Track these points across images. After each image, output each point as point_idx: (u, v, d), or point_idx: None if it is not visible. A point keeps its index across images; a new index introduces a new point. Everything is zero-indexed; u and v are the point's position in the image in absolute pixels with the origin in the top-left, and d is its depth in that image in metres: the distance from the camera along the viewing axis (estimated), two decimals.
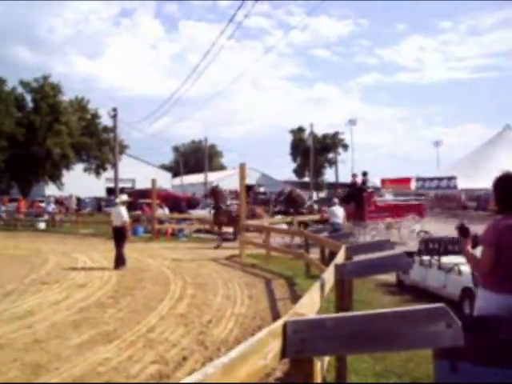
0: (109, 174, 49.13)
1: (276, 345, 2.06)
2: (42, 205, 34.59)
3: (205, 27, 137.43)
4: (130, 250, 16.76)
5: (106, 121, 46.95)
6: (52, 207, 32.44)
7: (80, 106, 49.19)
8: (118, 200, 13.88)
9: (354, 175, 21.94)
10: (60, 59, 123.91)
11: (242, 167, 15.05)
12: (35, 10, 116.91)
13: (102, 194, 54.95)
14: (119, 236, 12.99)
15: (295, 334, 2.15)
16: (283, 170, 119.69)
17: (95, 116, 49.69)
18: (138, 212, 25.92)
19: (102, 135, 49.00)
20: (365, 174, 20.87)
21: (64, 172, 48.54)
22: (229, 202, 20.53)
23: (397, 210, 20.50)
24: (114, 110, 39.09)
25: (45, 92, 46.32)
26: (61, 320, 7.39)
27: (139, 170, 58.79)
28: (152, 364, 5.49)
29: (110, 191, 51.71)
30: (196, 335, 6.62)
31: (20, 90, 48.33)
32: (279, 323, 2.16)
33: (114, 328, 6.91)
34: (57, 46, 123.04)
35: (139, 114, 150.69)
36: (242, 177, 15.07)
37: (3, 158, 44.86)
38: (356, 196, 20.14)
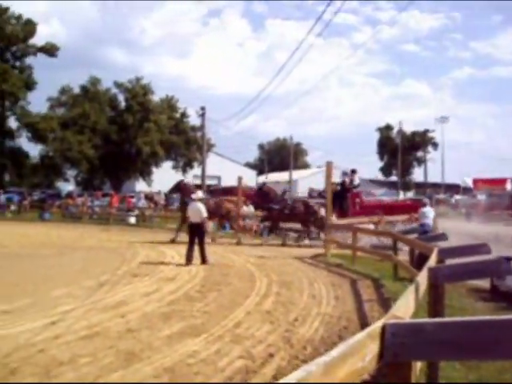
0: (195, 171, 50.39)
1: (374, 347, 2.02)
2: (133, 200, 36.02)
3: (292, 25, 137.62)
4: (216, 246, 17.17)
5: (194, 119, 48.13)
6: (142, 202, 33.74)
7: (169, 105, 50.80)
8: (194, 196, 14.04)
9: (344, 173, 21.16)
10: (150, 59, 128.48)
11: (329, 165, 14.93)
12: (128, 13, 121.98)
13: None
14: (198, 232, 13.08)
15: (394, 337, 2.10)
16: (370, 168, 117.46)
17: (184, 115, 51.16)
18: None
19: (189, 134, 50.33)
20: (353, 171, 20.05)
21: (153, 169, 50.39)
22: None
23: (386, 211, 19.21)
24: (203, 108, 40.04)
25: (136, 92, 48.21)
26: (151, 311, 7.65)
27: (225, 168, 59.76)
28: (239, 359, 5.55)
29: (197, 188, 52.98)
30: (282, 333, 6.63)
31: (114, 90, 50.66)
32: (377, 325, 2.11)
33: (201, 321, 7.07)
34: (147, 47, 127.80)
35: (226, 112, 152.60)
36: (329, 175, 14.95)
37: (97, 155, 47.27)
38: (342, 196, 19.40)
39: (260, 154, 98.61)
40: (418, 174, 68.99)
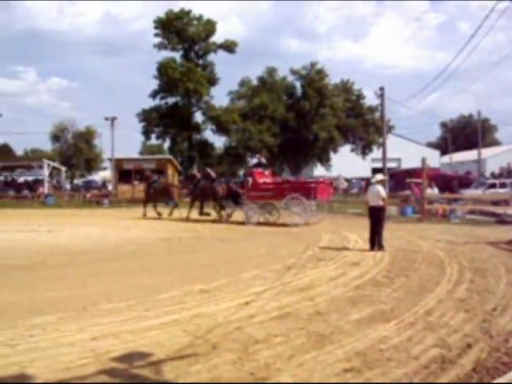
0: (374, 154, 49.51)
1: None
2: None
3: None
4: (399, 230, 16.72)
5: (371, 100, 47.26)
6: None
7: (345, 88, 50.55)
8: (373, 180, 13.65)
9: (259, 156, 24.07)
10: (325, 45, 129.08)
11: None
12: (300, 1, 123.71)
13: (368, 174, 55.70)
14: (377, 216, 12.68)
15: None
16: None
17: (360, 97, 50.50)
18: (407, 192, 25.56)
19: (366, 115, 49.58)
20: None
21: (331, 153, 50.62)
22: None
23: (279, 190, 20.40)
24: (381, 89, 38.87)
25: (311, 77, 48.75)
26: (339, 295, 7.68)
27: (405, 149, 57.77)
28: (433, 347, 5.30)
29: (376, 171, 52.17)
30: (479, 323, 6.19)
31: (290, 78, 51.83)
32: None
33: (390, 307, 6.90)
34: (322, 33, 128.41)
35: (406, 91, 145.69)
36: None
37: (277, 143, 48.88)
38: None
39: (443, 133, 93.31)
40: None
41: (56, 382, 4.47)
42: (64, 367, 4.80)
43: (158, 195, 25.85)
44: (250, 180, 21.21)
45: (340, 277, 9.11)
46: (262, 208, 20.88)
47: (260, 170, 21.80)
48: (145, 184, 27.74)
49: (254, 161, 23.37)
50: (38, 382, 4.49)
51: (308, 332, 5.86)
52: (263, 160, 22.74)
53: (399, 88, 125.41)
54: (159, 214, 24.63)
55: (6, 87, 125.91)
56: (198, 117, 52.62)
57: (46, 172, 44.85)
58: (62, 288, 8.39)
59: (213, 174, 24.08)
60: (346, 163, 50.42)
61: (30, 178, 52.07)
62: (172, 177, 43.42)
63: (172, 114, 50.14)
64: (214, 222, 22.02)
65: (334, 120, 47.71)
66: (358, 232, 15.99)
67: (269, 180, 21.85)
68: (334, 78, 50.95)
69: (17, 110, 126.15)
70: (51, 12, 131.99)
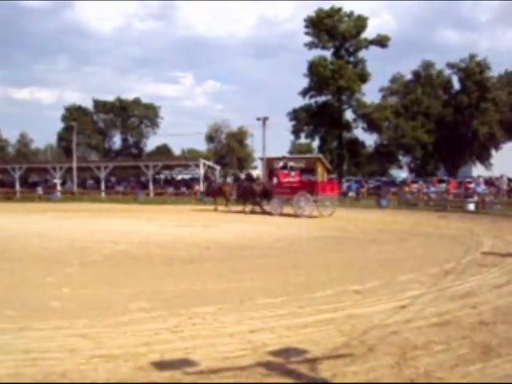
0: None
1: None
2: (471, 186, 34.46)
3: None
4: None
5: None
6: (482, 188, 31.96)
7: (510, 80, 46.95)
8: None
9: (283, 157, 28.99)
10: (486, 34, 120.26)
11: None
12: None
13: None
14: None
15: None
16: None
17: None
18: None
19: None
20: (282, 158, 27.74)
21: (492, 152, 47.30)
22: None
23: (293, 188, 24.30)
24: None
25: (471, 70, 45.98)
26: (505, 305, 7.08)
27: None
28: None
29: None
30: None
31: (446, 71, 49.32)
32: None
33: None
34: (482, 22, 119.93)
35: None
36: None
37: (431, 140, 46.77)
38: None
39: None
40: None
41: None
42: (224, 356, 5.00)
43: (215, 193, 30.84)
44: (275, 180, 25.89)
45: (506, 285, 8.42)
46: (285, 202, 24.95)
47: (285, 171, 25.90)
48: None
49: (280, 164, 26.99)
50: (200, 368, 4.71)
51: (472, 342, 5.48)
52: (290, 164, 26.60)
53: None
54: (216, 208, 29.81)
55: (167, 92, 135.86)
56: (349, 114, 52.24)
57: (201, 171, 47.52)
58: (220, 280, 8.81)
59: (254, 176, 29.07)
60: (510, 162, 46.62)
61: (187, 177, 55.56)
62: (321, 175, 43.56)
63: (322, 112, 50.28)
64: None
65: (496, 115, 44.41)
66: None
67: (293, 179, 25.49)
68: (496, 70, 47.52)
69: (175, 112, 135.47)
70: (208, 19, 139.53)
